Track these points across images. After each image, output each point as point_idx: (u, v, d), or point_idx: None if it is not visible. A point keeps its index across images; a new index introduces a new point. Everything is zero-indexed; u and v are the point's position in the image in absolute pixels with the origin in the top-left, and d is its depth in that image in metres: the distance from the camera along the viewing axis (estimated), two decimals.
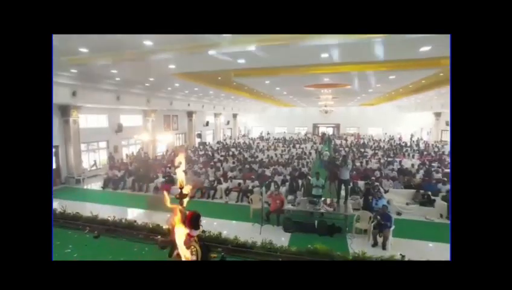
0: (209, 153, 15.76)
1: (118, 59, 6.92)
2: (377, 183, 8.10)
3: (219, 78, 10.77)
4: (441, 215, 7.39)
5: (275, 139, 25.07)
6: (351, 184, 7.93)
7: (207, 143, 21.64)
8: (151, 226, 5.53)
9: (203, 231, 2.42)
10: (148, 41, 5.68)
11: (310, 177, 8.64)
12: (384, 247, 5.60)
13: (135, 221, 5.81)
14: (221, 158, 13.80)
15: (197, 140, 21.68)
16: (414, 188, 8.55)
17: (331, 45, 5.91)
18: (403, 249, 5.28)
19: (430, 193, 7.96)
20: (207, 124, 23.81)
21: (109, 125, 14.05)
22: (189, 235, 2.42)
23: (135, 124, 15.79)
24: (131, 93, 12.58)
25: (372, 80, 11.37)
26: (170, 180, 10.02)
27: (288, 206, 6.92)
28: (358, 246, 5.48)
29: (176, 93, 15.14)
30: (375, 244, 5.73)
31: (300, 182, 9.06)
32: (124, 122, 14.68)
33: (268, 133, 30.63)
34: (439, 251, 5.34)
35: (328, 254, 4.74)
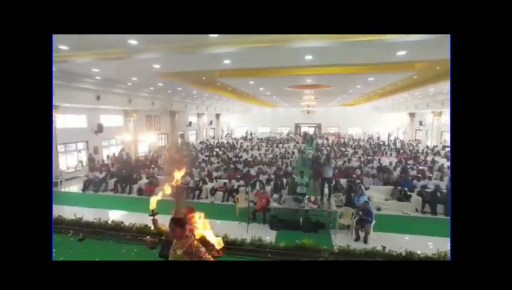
0: (193, 153, 15.66)
1: (100, 58, 6.77)
2: (358, 181, 8.45)
3: (203, 78, 10.77)
4: (416, 210, 7.84)
5: (258, 139, 25.26)
6: (334, 182, 8.22)
7: (190, 143, 21.44)
8: (139, 227, 5.48)
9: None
10: (133, 40, 5.62)
11: (294, 176, 8.85)
12: (365, 241, 5.88)
13: (122, 222, 5.72)
14: (206, 158, 13.77)
15: (180, 140, 21.43)
16: (392, 184, 8.99)
17: (314, 48, 6.13)
18: (383, 242, 5.56)
19: (406, 189, 8.41)
20: (190, 124, 23.57)
21: (88, 125, 13.61)
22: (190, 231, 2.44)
23: (116, 124, 15.39)
24: (112, 92, 12.27)
25: (353, 81, 11.80)
26: (154, 182, 9.92)
27: (273, 205, 7.08)
28: (342, 241, 5.72)
29: (158, 93, 14.92)
30: (357, 239, 6.00)
31: (284, 180, 9.26)
32: (104, 123, 14.28)
33: (251, 134, 30.78)
34: (416, 243, 5.68)
35: (315, 248, 4.94)
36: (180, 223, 2.38)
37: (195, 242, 2.38)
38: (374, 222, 6.01)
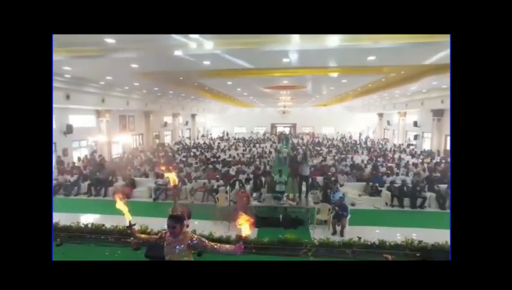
0: (170, 154, 15.41)
1: (74, 55, 6.52)
2: (333, 178, 8.88)
3: (181, 78, 10.68)
4: (386, 204, 8.43)
5: (234, 139, 25.33)
6: (311, 180, 8.58)
7: (166, 144, 21.02)
8: (121, 229, 5.37)
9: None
10: (111, 39, 5.52)
11: (273, 175, 9.10)
12: (342, 234, 6.24)
13: (103, 225, 5.58)
14: (183, 159, 13.63)
15: (156, 141, 20.93)
16: (364, 181, 9.56)
17: (291, 51, 6.39)
18: (358, 234, 5.92)
19: (377, 184, 9.00)
20: (165, 124, 23.08)
21: (56, 126, 12.89)
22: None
23: (87, 125, 14.71)
24: (83, 92, 11.74)
25: (327, 82, 12.32)
26: (131, 183, 9.69)
27: (254, 203, 7.26)
28: (320, 235, 6.03)
29: (133, 92, 14.49)
30: (334, 233, 6.35)
31: (263, 179, 9.48)
32: (74, 123, 13.60)
33: (227, 134, 30.76)
34: (386, 234, 6.10)
35: (297, 242, 5.19)
36: (179, 220, 2.48)
37: (193, 234, 2.51)
38: (349, 216, 6.40)
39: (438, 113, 16.99)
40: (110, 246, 5.26)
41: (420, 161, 13.07)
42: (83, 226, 5.56)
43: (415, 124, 20.44)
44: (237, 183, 9.17)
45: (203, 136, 31.05)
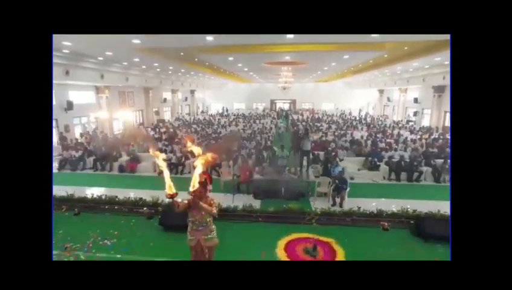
0: (171, 130, 15.55)
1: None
2: (333, 153, 9.14)
3: (181, 53, 10.55)
4: (384, 178, 8.76)
5: (234, 115, 25.34)
6: (312, 154, 8.83)
7: (166, 120, 21.07)
8: (133, 200, 5.71)
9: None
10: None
11: (275, 148, 9.34)
12: (341, 206, 6.57)
13: (116, 196, 5.87)
14: (185, 135, 13.80)
15: (155, 117, 20.96)
16: (363, 156, 9.83)
17: None
18: (356, 206, 6.30)
19: (376, 159, 9.27)
20: (164, 100, 22.96)
21: (57, 102, 12.88)
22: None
23: (87, 101, 14.68)
24: (82, 67, 11.61)
25: (329, 59, 12.20)
26: (135, 158, 9.92)
27: (256, 176, 7.55)
28: (320, 207, 6.37)
29: (132, 68, 14.31)
30: (334, 204, 6.69)
31: (265, 154, 9.73)
32: (74, 100, 13.58)
33: (227, 110, 30.68)
34: (383, 205, 6.40)
35: (300, 211, 5.58)
36: (205, 186, 2.92)
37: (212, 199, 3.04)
38: (348, 189, 6.71)
39: (438, 89, 16.98)
40: (125, 215, 5.57)
41: (418, 137, 13.30)
42: (97, 197, 5.85)
43: (416, 100, 20.45)
44: (239, 157, 9.44)
45: (202, 112, 30.98)
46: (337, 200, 6.71)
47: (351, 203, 6.56)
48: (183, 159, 9.67)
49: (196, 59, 11.95)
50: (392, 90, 24.56)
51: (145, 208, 5.41)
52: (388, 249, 4.60)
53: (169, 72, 17.11)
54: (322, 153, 9.58)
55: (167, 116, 24.16)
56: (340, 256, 4.35)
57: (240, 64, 14.46)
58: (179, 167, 9.45)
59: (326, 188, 7.15)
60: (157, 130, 15.72)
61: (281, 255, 4.38)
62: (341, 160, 9.35)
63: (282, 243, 4.70)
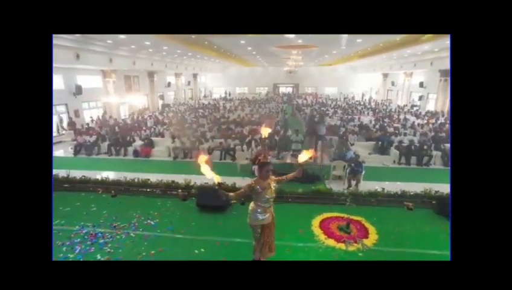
0: (179, 114, 15.61)
1: None
2: (344, 138, 9.32)
3: (193, 36, 10.47)
4: (394, 161, 8.98)
5: (238, 99, 25.28)
6: (326, 139, 9.00)
7: (171, 105, 21.05)
8: (166, 182, 5.93)
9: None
10: None
11: (290, 132, 9.48)
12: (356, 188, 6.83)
13: (148, 179, 6.07)
14: (194, 119, 13.89)
15: (160, 102, 20.92)
16: (373, 140, 10.02)
17: None
18: (368, 189, 6.52)
19: (386, 144, 9.48)
20: (169, 84, 22.82)
21: (66, 87, 12.85)
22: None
23: (94, 85, 14.62)
24: (92, 51, 11.52)
25: (341, 42, 12.13)
26: (149, 143, 10.07)
27: (273, 160, 7.74)
28: (336, 189, 6.60)
29: (139, 51, 14.17)
30: (349, 186, 6.93)
31: (277, 138, 9.88)
32: (82, 84, 13.53)
33: (229, 94, 30.53)
34: (393, 187, 6.49)
35: (328, 192, 5.94)
36: (268, 165, 3.22)
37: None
38: (363, 172, 6.93)
39: (445, 73, 16.90)
40: (159, 197, 5.81)
41: (425, 121, 13.45)
42: (130, 180, 6.05)
43: (421, 84, 20.39)
44: (252, 142, 9.61)
45: (205, 96, 30.83)
46: (353, 183, 6.94)
47: (364, 186, 6.82)
48: (197, 143, 9.79)
49: (206, 42, 11.84)
50: (397, 74, 24.44)
51: (179, 190, 5.64)
52: (415, 226, 4.86)
53: (175, 55, 16.93)
54: (334, 138, 9.76)
55: (171, 100, 24.09)
56: (373, 233, 4.61)
57: (249, 48, 14.32)
58: (193, 151, 9.59)
59: (341, 172, 7.37)
60: (165, 114, 15.77)
61: (317, 232, 4.66)
62: (352, 144, 9.55)
63: (316, 221, 4.98)
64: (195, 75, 27.82)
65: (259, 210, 3.31)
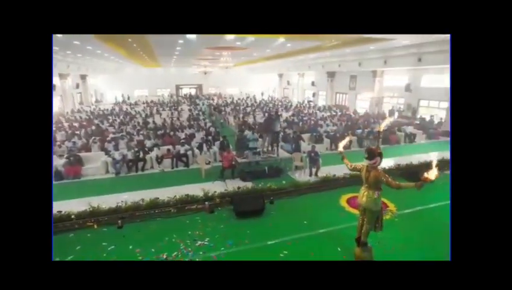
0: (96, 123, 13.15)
1: None
2: (289, 132, 10.42)
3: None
4: (326, 148, 10.76)
5: (144, 103, 23.10)
6: (280, 135, 9.78)
7: (65, 113, 17.24)
8: (179, 198, 5.22)
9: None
10: None
11: (247, 132, 9.76)
12: (317, 174, 7.88)
13: (157, 198, 5.14)
14: (114, 128, 12.08)
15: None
16: (305, 132, 11.59)
17: None
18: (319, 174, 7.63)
19: (315, 134, 11.20)
20: (54, 88, 18.45)
21: None
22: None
23: None
24: None
25: (271, 46, 12.97)
26: (76, 160, 8.28)
27: (239, 160, 7.94)
28: (302, 178, 7.49)
29: None
30: (310, 174, 7.94)
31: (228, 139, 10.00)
32: None
33: (128, 98, 27.38)
34: (334, 171, 7.63)
35: (300, 183, 6.73)
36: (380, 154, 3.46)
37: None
38: (320, 160, 8.11)
39: (331, 74, 21.00)
40: (179, 215, 5.09)
41: (328, 114, 16.35)
42: (132, 204, 4.96)
43: (313, 83, 24.45)
44: (203, 145, 9.43)
45: (96, 101, 26.49)
46: (313, 170, 8.01)
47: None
48: (141, 153, 8.73)
49: (130, 39, 10.44)
50: (291, 74, 28.14)
51: (206, 203, 5.19)
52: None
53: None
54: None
55: (56, 107, 19.53)
56: (389, 203, 5.71)
57: (178, 48, 13.27)
58: (138, 163, 8.52)
59: (300, 162, 8.34)
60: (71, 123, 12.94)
61: (345, 205, 5.73)
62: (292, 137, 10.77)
63: (343, 200, 6.09)
64: (84, 76, 23.43)
65: (377, 196, 3.65)
